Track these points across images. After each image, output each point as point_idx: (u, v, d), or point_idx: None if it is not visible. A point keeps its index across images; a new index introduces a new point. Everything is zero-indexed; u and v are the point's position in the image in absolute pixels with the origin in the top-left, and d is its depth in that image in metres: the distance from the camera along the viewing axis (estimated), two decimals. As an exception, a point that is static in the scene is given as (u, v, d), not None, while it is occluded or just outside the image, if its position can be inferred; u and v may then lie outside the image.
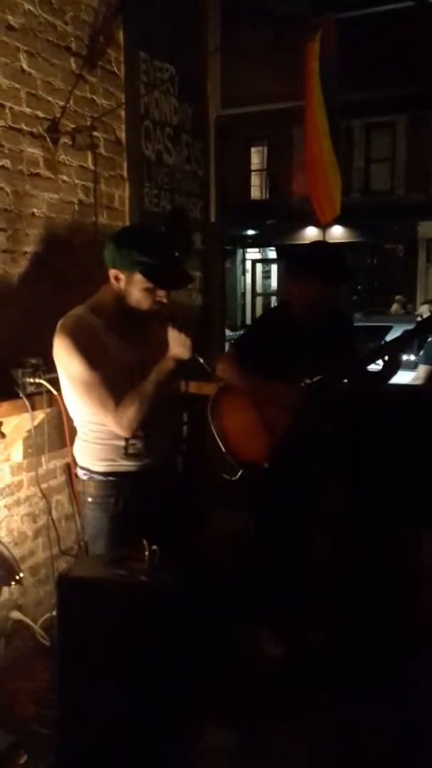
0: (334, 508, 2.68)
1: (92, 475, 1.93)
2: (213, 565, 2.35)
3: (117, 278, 1.82)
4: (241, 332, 2.63)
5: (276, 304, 3.73)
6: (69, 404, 1.94)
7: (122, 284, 1.82)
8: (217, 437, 2.35)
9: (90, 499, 1.94)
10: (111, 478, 1.91)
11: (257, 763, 1.98)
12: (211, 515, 2.68)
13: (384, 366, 2.32)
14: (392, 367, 2.30)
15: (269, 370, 2.24)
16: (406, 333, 2.34)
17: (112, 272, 1.82)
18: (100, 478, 1.91)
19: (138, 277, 1.79)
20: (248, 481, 2.35)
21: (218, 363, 2.28)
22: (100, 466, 1.91)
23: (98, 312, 1.85)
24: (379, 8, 3.39)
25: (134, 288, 1.81)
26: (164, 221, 3.36)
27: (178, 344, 1.78)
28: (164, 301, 1.84)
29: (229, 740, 2.00)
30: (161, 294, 1.83)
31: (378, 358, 2.33)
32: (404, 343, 2.32)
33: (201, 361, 1.81)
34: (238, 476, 2.33)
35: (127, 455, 1.90)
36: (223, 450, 2.34)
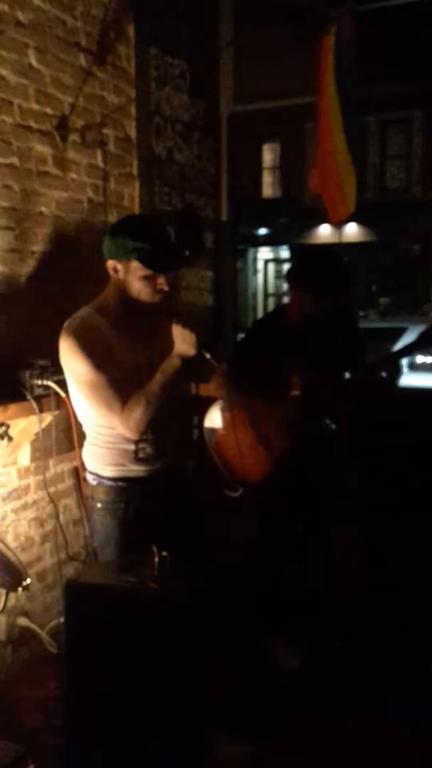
0: (347, 510, 2.62)
1: (102, 480, 1.89)
2: (225, 573, 2.30)
3: (115, 269, 1.80)
4: (238, 343, 2.54)
5: (271, 311, 3.70)
6: (77, 408, 1.90)
7: (121, 275, 1.79)
8: (214, 456, 2.30)
9: (99, 505, 1.90)
10: (121, 483, 1.87)
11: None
12: (223, 521, 2.64)
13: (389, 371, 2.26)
14: (395, 372, 2.24)
15: (269, 380, 2.17)
16: (421, 336, 2.25)
17: (110, 264, 1.80)
18: (110, 483, 1.88)
19: (135, 264, 1.77)
20: (253, 492, 2.30)
21: (213, 379, 2.22)
22: (109, 471, 1.88)
23: (104, 312, 1.82)
24: (395, 1, 3.33)
25: (133, 277, 1.78)
26: (175, 220, 3.32)
27: (183, 341, 1.75)
28: (165, 288, 1.80)
29: (241, 753, 1.96)
30: (161, 281, 1.79)
31: (389, 364, 2.25)
32: (418, 347, 2.24)
33: (208, 356, 1.77)
34: (239, 493, 2.27)
35: (137, 460, 1.86)
36: (221, 469, 2.29)
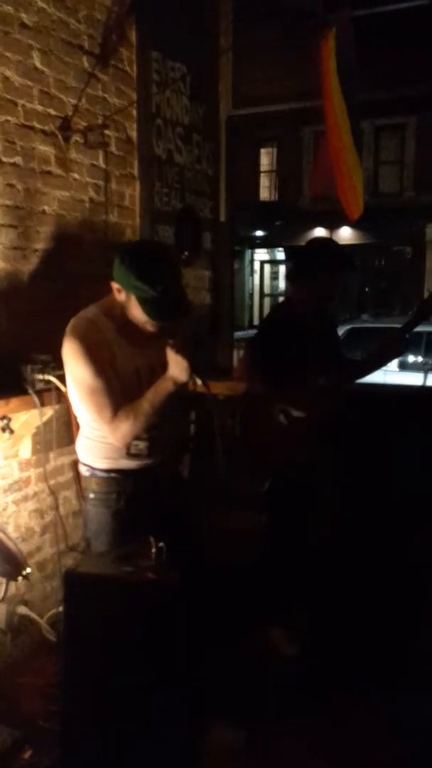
0: (337, 505, 2.67)
1: (94, 471, 1.92)
2: (222, 563, 2.34)
3: (119, 291, 1.78)
4: (253, 334, 2.61)
5: (274, 309, 3.93)
6: (73, 402, 1.92)
7: (123, 298, 1.78)
8: (249, 446, 2.35)
9: (92, 495, 1.93)
10: (113, 474, 1.90)
11: (265, 763, 1.96)
12: (221, 513, 2.67)
13: (379, 353, 2.35)
14: (386, 356, 2.34)
15: (290, 372, 2.24)
16: (412, 318, 2.34)
17: (114, 285, 1.78)
18: (102, 474, 1.91)
19: (135, 300, 1.75)
20: (272, 484, 2.36)
21: (238, 371, 2.30)
22: (101, 463, 1.91)
23: (110, 314, 1.82)
24: (389, 7, 3.37)
25: (133, 308, 1.77)
26: (174, 220, 3.35)
27: (176, 366, 1.72)
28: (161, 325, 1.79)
29: (237, 740, 1.98)
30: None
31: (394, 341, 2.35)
32: (411, 327, 2.33)
33: (199, 382, 1.76)
34: (268, 485, 2.34)
35: (129, 455, 1.89)
36: (257, 458, 2.35)
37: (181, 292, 1.83)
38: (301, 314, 2.36)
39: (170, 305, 1.75)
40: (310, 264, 2.37)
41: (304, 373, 2.26)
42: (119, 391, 1.78)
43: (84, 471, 1.96)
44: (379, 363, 2.38)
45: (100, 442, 1.89)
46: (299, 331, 2.33)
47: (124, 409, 1.78)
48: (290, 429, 2.31)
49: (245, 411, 2.39)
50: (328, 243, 2.59)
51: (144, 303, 1.73)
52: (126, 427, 1.78)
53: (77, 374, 1.79)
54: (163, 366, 1.77)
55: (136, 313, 1.76)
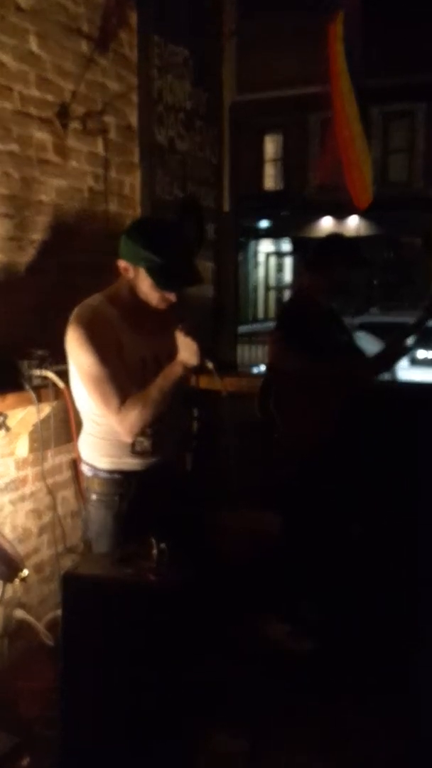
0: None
1: (97, 471, 1.90)
2: (225, 563, 2.31)
3: (126, 269, 1.78)
4: (277, 324, 2.63)
5: (293, 297, 4.10)
6: (77, 397, 1.90)
7: (131, 275, 1.77)
8: (286, 428, 2.40)
9: (94, 497, 1.91)
10: (116, 475, 1.88)
11: (266, 764, 1.94)
12: (225, 513, 2.65)
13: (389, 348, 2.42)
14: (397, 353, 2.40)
15: (319, 351, 2.31)
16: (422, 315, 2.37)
17: (121, 264, 1.77)
18: (105, 475, 1.88)
19: (144, 272, 1.75)
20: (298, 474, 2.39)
21: (271, 351, 2.45)
22: (105, 463, 1.88)
23: (115, 302, 1.80)
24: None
25: (142, 283, 1.76)
26: (176, 210, 3.30)
27: (185, 349, 1.71)
28: (172, 299, 1.78)
29: (239, 744, 1.96)
30: (169, 294, 1.77)
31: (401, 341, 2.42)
32: (421, 324, 2.36)
33: (210, 366, 1.74)
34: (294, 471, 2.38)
35: (134, 453, 1.86)
36: (289, 441, 2.39)
37: (190, 260, 1.85)
38: (316, 304, 2.42)
39: (180, 273, 1.76)
40: (327, 254, 2.42)
41: (329, 356, 2.33)
42: (126, 381, 1.75)
43: (86, 471, 1.92)
44: (393, 360, 2.40)
45: (103, 439, 1.86)
46: (318, 318, 2.39)
47: (131, 398, 1.74)
48: (322, 415, 2.34)
49: (279, 394, 2.41)
50: (345, 237, 2.70)
51: (153, 272, 1.72)
52: (134, 416, 1.74)
53: (82, 363, 1.75)
54: (169, 356, 1.75)
55: (146, 288, 1.75)
